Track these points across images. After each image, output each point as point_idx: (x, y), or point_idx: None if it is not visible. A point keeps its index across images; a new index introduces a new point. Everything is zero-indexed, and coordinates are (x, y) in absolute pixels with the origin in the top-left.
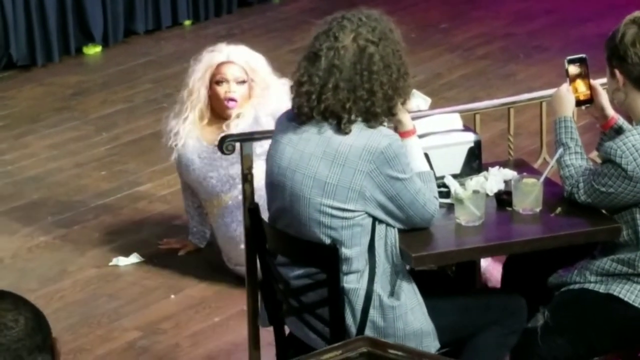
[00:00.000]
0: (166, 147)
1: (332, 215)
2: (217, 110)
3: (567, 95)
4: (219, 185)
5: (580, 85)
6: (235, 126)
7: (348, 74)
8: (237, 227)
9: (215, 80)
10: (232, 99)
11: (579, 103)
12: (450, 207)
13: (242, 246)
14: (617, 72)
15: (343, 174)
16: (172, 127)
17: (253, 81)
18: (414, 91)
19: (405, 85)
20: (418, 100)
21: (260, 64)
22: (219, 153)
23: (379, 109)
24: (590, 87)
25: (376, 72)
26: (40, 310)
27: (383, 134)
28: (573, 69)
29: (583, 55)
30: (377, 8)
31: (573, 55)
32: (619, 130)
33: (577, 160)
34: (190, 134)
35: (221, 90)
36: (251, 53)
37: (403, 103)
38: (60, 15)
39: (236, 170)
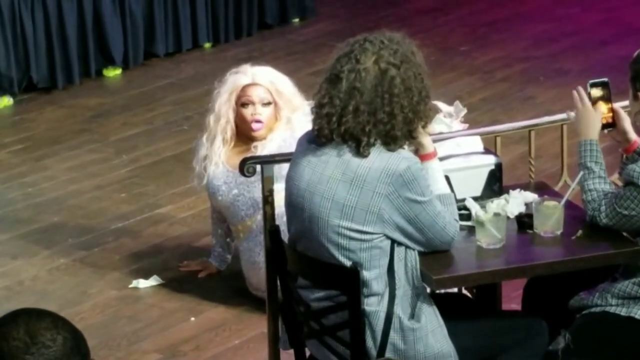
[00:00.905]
0: (196, 173)
1: (350, 238)
2: (243, 132)
3: (594, 117)
4: (243, 210)
5: (603, 108)
6: (263, 148)
7: (369, 97)
8: (260, 252)
9: (241, 102)
10: (259, 121)
11: (601, 127)
12: (471, 230)
13: (264, 271)
14: None
15: (361, 196)
16: (203, 154)
17: (278, 103)
18: (437, 117)
19: (426, 108)
20: (440, 126)
21: (285, 85)
22: (242, 178)
23: (399, 132)
24: (613, 111)
25: (397, 95)
26: (79, 331)
27: (402, 157)
28: (595, 92)
29: (605, 79)
30: (398, 30)
31: (595, 78)
32: None
33: (601, 184)
34: (218, 159)
35: (247, 112)
36: (276, 74)
37: (424, 126)
38: (80, 38)
39: (260, 193)
